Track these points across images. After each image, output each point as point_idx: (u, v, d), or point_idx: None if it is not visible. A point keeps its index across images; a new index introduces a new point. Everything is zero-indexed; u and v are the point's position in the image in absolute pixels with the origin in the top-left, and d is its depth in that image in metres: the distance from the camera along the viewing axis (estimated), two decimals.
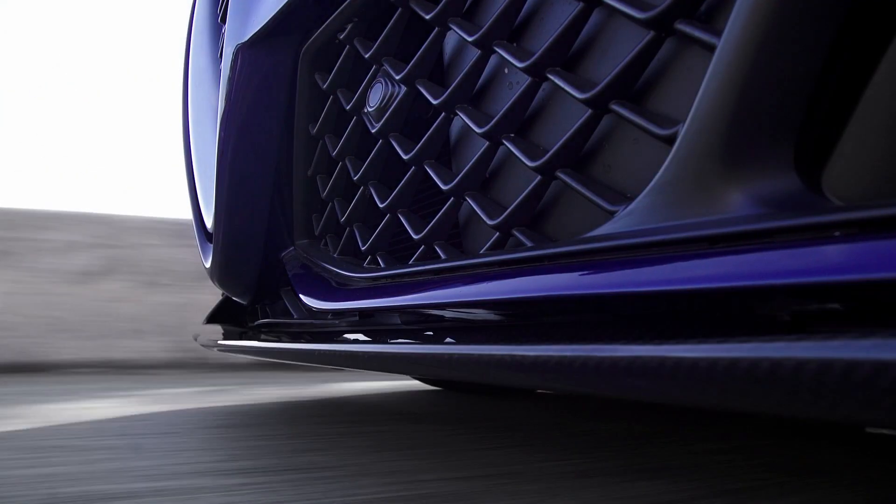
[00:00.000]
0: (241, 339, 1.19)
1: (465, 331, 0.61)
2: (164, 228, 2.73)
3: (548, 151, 0.51)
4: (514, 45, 0.57)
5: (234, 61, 0.91)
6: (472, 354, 0.49)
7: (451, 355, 0.52)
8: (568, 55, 0.52)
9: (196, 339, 1.36)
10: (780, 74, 0.35)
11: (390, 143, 0.72)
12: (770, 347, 0.30)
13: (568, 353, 0.39)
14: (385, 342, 0.69)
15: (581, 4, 0.49)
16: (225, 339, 1.22)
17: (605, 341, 0.38)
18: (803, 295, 0.35)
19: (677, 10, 0.41)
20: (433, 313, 0.60)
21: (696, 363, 0.32)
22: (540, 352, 0.41)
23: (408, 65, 0.68)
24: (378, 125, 0.73)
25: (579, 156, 0.51)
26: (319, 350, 0.79)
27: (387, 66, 0.72)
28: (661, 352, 0.34)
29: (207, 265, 1.10)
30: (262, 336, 1.05)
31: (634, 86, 0.46)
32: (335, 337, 0.82)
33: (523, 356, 0.43)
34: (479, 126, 0.58)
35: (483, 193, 0.61)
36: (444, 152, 0.68)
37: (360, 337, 0.75)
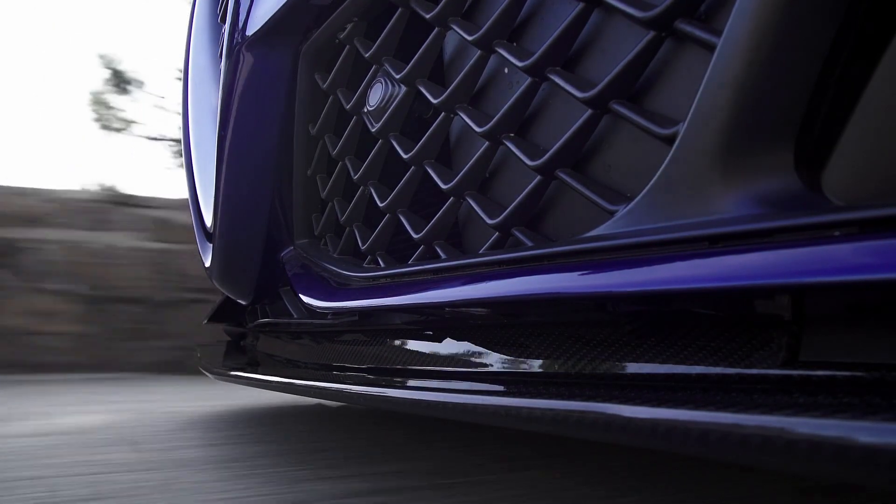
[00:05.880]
0: (240, 353, 1.17)
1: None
2: None
3: (548, 151, 0.51)
4: (515, 44, 0.57)
5: (234, 61, 0.91)
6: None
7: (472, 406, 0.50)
8: (568, 55, 0.52)
9: (197, 354, 1.31)
10: (780, 74, 0.35)
11: (390, 142, 0.72)
12: None
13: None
14: (410, 387, 0.61)
15: (581, 4, 0.49)
16: (226, 358, 1.19)
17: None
18: (803, 295, 0.35)
19: (677, 10, 0.41)
20: (433, 313, 0.60)
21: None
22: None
23: (408, 64, 0.68)
24: (378, 125, 0.73)
25: (579, 156, 0.51)
26: (335, 390, 0.72)
27: (387, 66, 0.72)
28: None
29: (207, 265, 1.10)
30: (262, 369, 1.01)
31: (634, 86, 0.46)
32: (348, 369, 0.75)
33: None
34: (480, 126, 0.58)
35: (483, 193, 0.61)
36: (444, 152, 0.68)
37: (410, 382, 0.63)
